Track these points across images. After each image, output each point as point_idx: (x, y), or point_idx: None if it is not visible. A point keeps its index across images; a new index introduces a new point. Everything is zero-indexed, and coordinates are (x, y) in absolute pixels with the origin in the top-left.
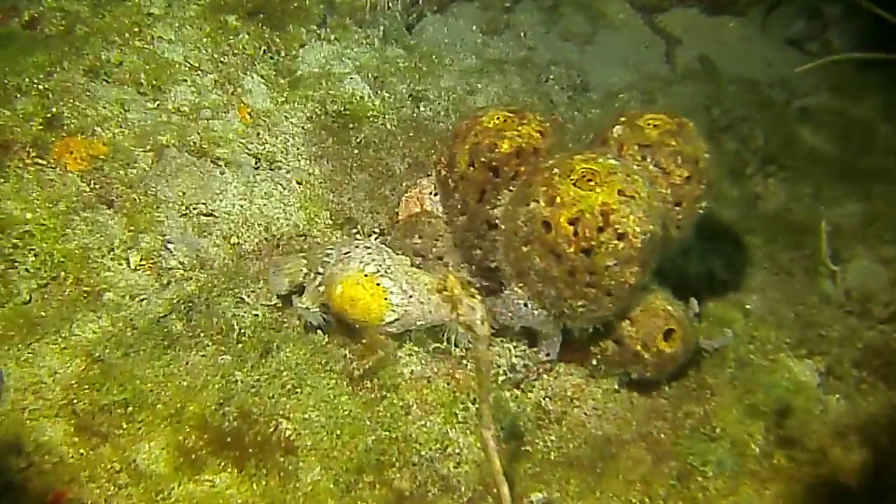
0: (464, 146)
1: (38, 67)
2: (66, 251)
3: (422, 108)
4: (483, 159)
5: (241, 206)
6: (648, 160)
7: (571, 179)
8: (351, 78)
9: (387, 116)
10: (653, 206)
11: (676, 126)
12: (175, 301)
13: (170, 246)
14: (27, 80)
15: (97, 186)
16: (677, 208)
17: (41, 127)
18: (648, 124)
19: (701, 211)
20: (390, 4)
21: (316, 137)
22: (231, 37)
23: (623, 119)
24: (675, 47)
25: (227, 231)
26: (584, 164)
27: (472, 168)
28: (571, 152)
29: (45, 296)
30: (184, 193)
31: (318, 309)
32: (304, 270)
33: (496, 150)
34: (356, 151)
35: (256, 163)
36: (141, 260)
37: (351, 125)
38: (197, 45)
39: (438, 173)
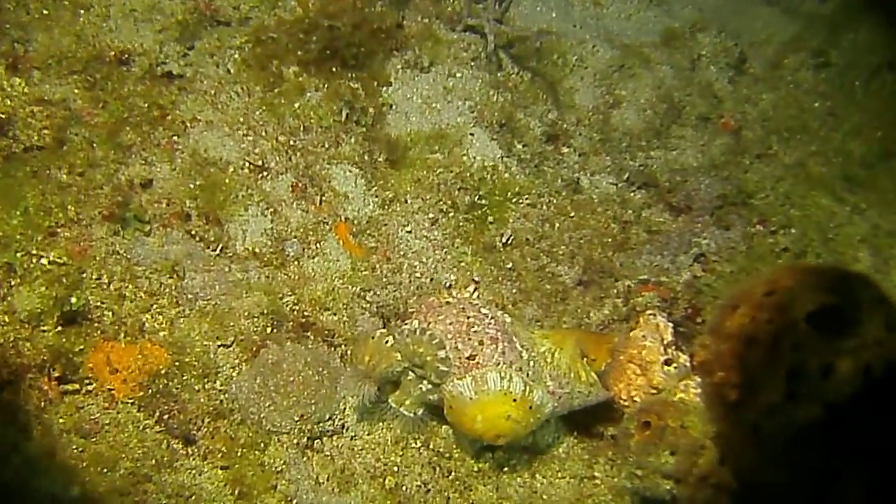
0: None
1: (29, 222)
2: None
3: (564, 152)
4: None
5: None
6: None
7: None
8: (471, 135)
9: (533, 190)
10: None
11: None
12: None
13: None
14: (20, 251)
15: (166, 417)
16: None
17: (59, 330)
18: None
19: None
20: None
21: (451, 252)
22: (296, 99)
23: None
24: None
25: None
26: None
27: None
28: None
29: None
30: (301, 416)
31: (421, 410)
32: (399, 369)
33: None
34: (509, 265)
35: (384, 324)
36: None
37: (491, 219)
38: (250, 124)
39: None
